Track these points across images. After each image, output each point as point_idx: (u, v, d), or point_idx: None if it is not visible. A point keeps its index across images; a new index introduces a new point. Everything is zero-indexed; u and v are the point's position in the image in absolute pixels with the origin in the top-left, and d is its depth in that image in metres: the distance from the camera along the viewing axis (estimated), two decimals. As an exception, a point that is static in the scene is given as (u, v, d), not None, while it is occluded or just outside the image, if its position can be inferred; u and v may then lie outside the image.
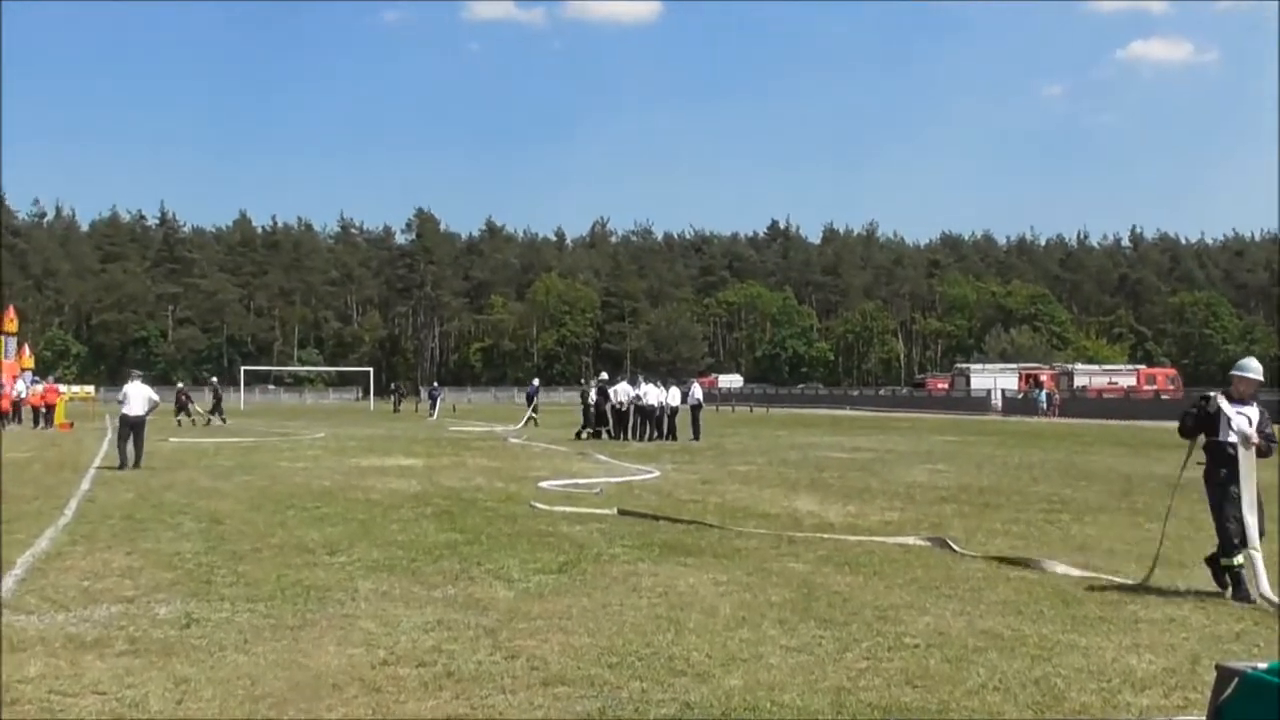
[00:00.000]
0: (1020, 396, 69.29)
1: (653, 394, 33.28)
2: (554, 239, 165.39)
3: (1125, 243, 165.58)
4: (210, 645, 7.32)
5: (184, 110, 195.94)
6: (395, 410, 69.81)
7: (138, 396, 22.53)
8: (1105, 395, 65.47)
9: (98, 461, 23.72)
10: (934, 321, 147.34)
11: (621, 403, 33.65)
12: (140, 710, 6.00)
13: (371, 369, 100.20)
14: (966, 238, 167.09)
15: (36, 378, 54.96)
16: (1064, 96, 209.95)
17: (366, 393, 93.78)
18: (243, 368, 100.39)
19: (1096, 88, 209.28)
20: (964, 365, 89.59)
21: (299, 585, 9.33)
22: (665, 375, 57.26)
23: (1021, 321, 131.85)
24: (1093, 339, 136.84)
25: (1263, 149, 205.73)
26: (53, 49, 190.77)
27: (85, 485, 18.37)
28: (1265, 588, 8.85)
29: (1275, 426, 9.41)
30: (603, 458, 25.24)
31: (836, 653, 7.15)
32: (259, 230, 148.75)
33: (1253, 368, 9.60)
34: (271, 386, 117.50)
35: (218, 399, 47.48)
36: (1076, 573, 9.95)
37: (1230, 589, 9.00)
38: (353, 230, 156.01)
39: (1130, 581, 9.55)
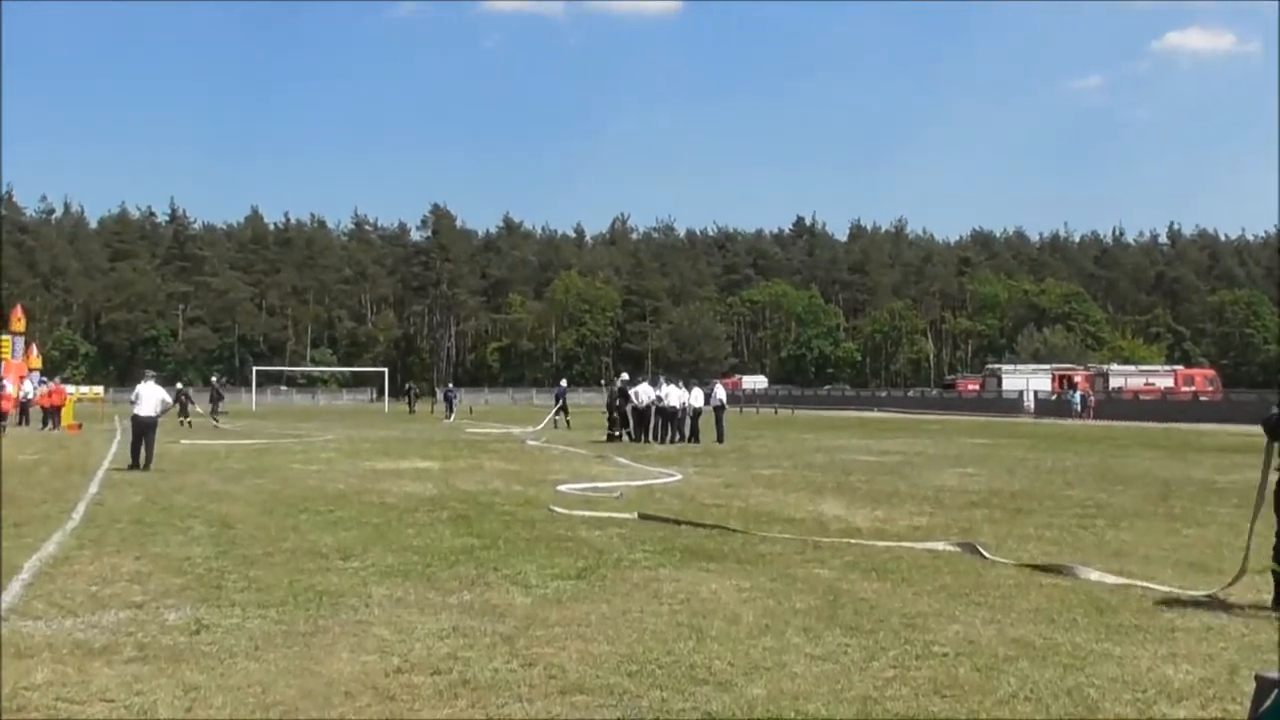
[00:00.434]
0: (1053, 398, 69.05)
1: (674, 395, 33.25)
2: (573, 236, 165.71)
3: (1162, 239, 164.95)
4: (220, 652, 7.34)
5: (195, 105, 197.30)
6: (410, 411, 70.03)
7: (150, 397, 22.66)
8: (1142, 397, 65.17)
9: (106, 464, 23.83)
10: (964, 321, 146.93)
11: (642, 404, 33.63)
12: (149, 718, 6.03)
13: (386, 369, 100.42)
14: (998, 234, 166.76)
15: (44, 378, 55.34)
16: (1099, 89, 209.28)
17: (381, 394, 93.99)
18: (254, 368, 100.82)
19: (1132, 80, 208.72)
20: (995, 366, 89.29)
21: (311, 591, 9.36)
22: (687, 376, 57.21)
23: (1055, 321, 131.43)
24: (1129, 339, 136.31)
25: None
26: (60, 42, 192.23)
27: (93, 488, 18.44)
28: None
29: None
30: (623, 461, 25.25)
31: (863, 661, 7.14)
32: (271, 227, 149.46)
33: None
34: (284, 387, 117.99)
35: (218, 399, 47.64)
36: (1111, 580, 9.90)
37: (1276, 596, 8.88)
38: (367, 227, 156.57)
39: (1165, 588, 9.49)
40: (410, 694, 6.41)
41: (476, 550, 11.56)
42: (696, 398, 34.27)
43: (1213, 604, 8.94)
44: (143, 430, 22.28)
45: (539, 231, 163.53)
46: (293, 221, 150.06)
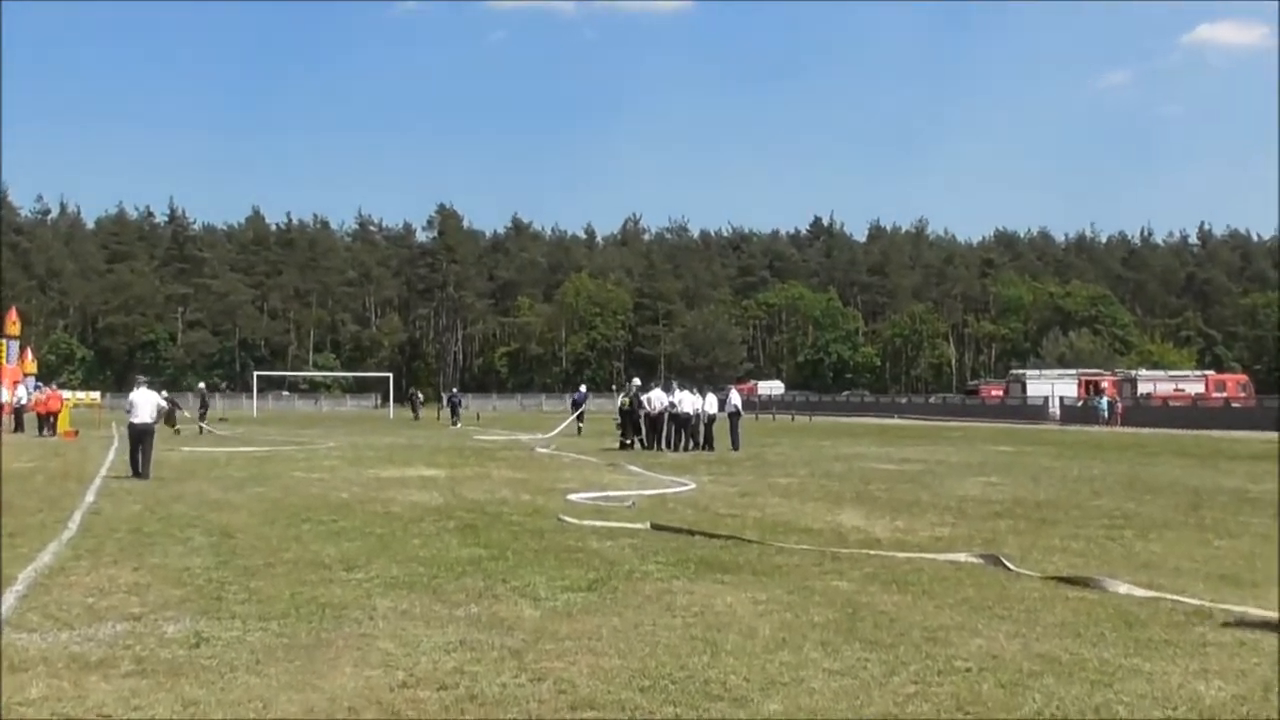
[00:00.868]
0: (1080, 404, 68.89)
1: (688, 401, 33.23)
2: (584, 237, 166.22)
3: (1193, 239, 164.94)
4: (220, 666, 7.35)
5: (194, 102, 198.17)
6: (415, 418, 70.21)
7: (145, 403, 22.72)
8: (1171, 403, 64.97)
9: (104, 471, 23.88)
10: (987, 324, 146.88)
11: (655, 411, 33.62)
12: (147, 734, 6.04)
13: (391, 374, 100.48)
14: (1022, 235, 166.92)
15: (39, 383, 55.43)
16: (1126, 85, 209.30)
17: (385, 399, 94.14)
18: (256, 373, 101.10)
19: (1161, 76, 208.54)
20: (1020, 371, 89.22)
21: (314, 603, 9.37)
22: (701, 381, 57.28)
23: (1081, 324, 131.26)
24: (1158, 343, 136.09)
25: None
26: (56, 36, 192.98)
27: (90, 497, 18.49)
28: None
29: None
30: (635, 469, 25.23)
31: (883, 677, 7.12)
32: (273, 228, 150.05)
33: None
34: (286, 393, 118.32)
35: (204, 406, 47.80)
36: (1140, 593, 9.86)
37: None
38: (371, 228, 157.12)
39: (1195, 601, 9.46)
40: (416, 709, 6.42)
41: (484, 561, 11.56)
42: (711, 404, 34.24)
43: (1245, 618, 8.91)
44: (140, 437, 22.35)
45: (548, 232, 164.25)
46: (295, 222, 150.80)
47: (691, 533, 13.66)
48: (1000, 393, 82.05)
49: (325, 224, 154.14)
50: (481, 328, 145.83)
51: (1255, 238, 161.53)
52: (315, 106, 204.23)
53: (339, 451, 32.30)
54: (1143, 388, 72.10)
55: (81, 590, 9.95)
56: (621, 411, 35.65)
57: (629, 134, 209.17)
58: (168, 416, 42.61)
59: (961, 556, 11.91)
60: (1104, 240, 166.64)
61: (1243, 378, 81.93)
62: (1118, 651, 7.81)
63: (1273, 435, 40.53)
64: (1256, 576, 10.51)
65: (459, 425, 55.88)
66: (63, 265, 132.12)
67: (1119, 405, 62.82)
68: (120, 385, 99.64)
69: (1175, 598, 9.64)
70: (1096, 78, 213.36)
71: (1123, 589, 10.00)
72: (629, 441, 34.03)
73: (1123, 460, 29.60)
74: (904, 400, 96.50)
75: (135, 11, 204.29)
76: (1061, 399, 70.66)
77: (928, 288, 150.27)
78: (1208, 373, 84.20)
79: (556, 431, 43.23)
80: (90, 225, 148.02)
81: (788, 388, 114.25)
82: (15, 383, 49.81)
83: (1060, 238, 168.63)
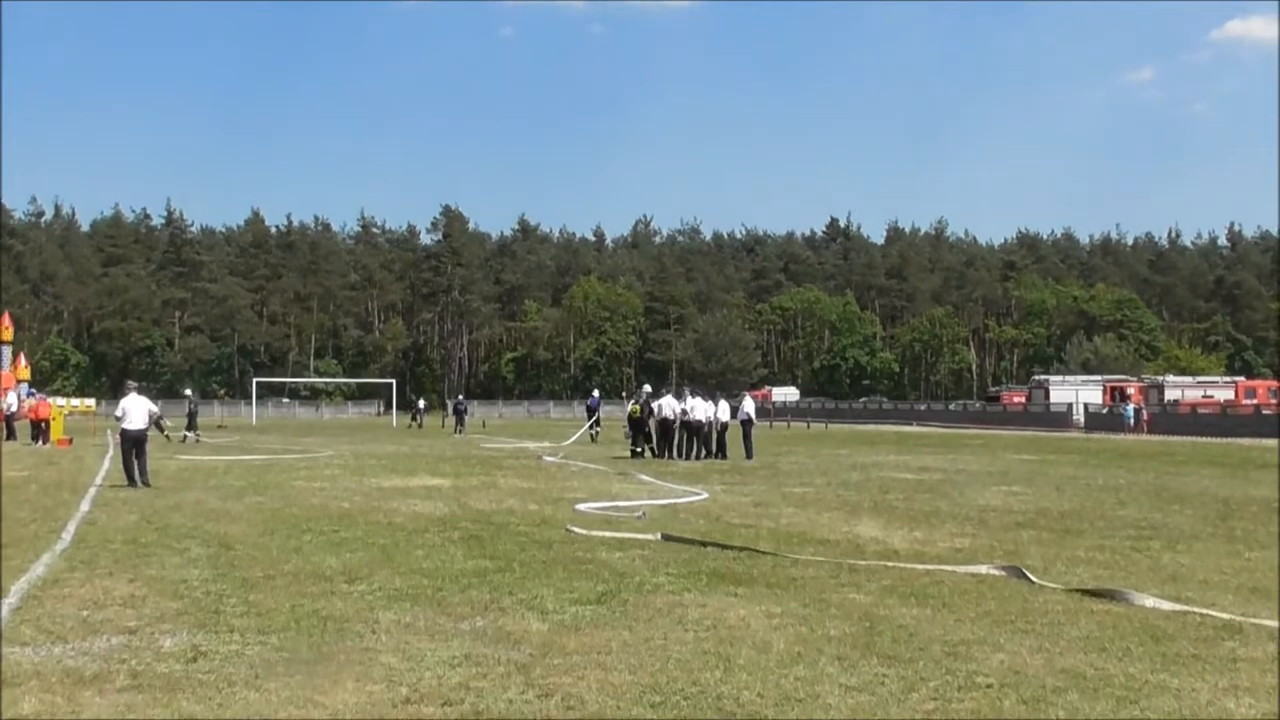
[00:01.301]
0: (1105, 411, 68.81)
1: (700, 408, 33.20)
2: (593, 239, 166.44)
3: (1222, 241, 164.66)
4: (218, 680, 7.36)
5: (192, 101, 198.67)
6: (418, 425, 70.45)
7: (138, 410, 22.77)
8: (1200, 410, 64.88)
9: (99, 480, 23.93)
10: (1009, 329, 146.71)
11: (666, 418, 33.59)
12: (143, 751, 6.04)
13: (394, 381, 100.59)
14: (1045, 237, 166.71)
15: (33, 390, 55.66)
16: (1153, 83, 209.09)
17: (389, 407, 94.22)
18: (255, 379, 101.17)
19: (1189, 72, 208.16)
20: (1042, 377, 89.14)
21: (315, 616, 9.38)
22: (714, 388, 57.26)
23: (1106, 329, 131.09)
24: (1185, 348, 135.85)
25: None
26: (52, 36, 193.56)
27: (85, 506, 18.52)
28: None
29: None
30: (646, 478, 25.23)
31: (901, 693, 7.11)
32: (273, 230, 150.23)
33: None
34: (286, 400, 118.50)
35: (191, 415, 47.96)
36: (1167, 606, 9.85)
37: None
38: (374, 230, 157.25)
39: (1225, 615, 9.44)
40: (419, 726, 6.41)
41: (490, 573, 11.56)
42: (723, 411, 34.24)
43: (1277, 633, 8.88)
44: (134, 445, 22.40)
45: (556, 234, 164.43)
46: (295, 224, 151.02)
47: (704, 544, 13.66)
48: (1023, 399, 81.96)
49: (327, 226, 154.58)
50: (487, 333, 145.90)
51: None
52: (317, 105, 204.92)
53: (340, 460, 32.33)
54: (1170, 394, 72.01)
55: (76, 603, 9.96)
56: (631, 419, 35.65)
57: (640, 133, 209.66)
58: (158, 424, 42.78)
59: (983, 568, 11.89)
60: (1130, 242, 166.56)
61: (1274, 384, 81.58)
62: (1144, 667, 7.79)
63: (1305, 443, 40.40)
64: (1288, 589, 10.47)
65: (464, 433, 55.97)
66: (57, 269, 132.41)
67: (1145, 412, 62.71)
68: (115, 392, 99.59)
69: (1204, 611, 9.62)
70: (1122, 74, 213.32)
71: (1149, 602, 9.98)
72: (639, 449, 34.03)
73: (1149, 469, 29.55)
74: (923, 407, 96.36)
75: (130, 8, 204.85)
76: (1086, 406, 70.58)
77: (948, 291, 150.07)
78: (1237, 379, 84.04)
79: (573, 439, 43.23)
80: (85, 228, 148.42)
81: (803, 394, 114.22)
82: (7, 389, 49.96)
83: (1085, 239, 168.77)
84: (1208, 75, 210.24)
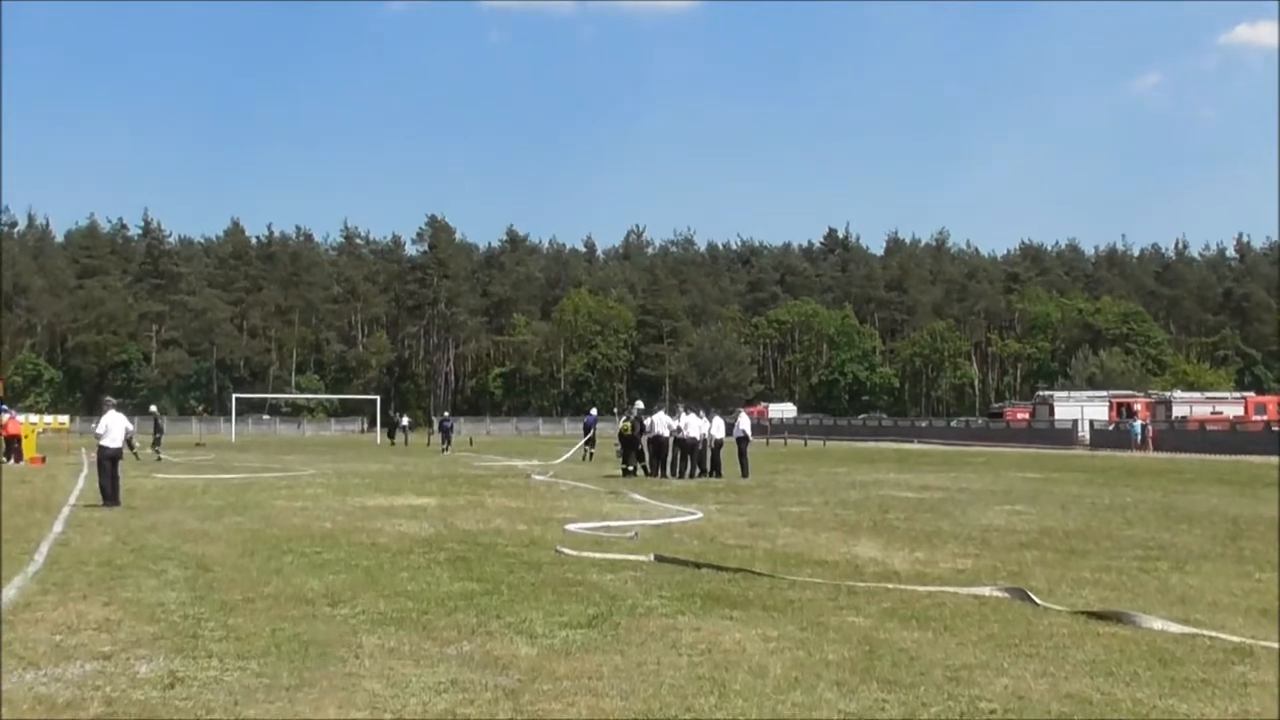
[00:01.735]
0: (1111, 428, 68.90)
1: (694, 425, 33.20)
2: (584, 250, 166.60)
3: (1230, 253, 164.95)
4: (196, 707, 7.34)
5: (170, 107, 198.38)
6: (390, 442, 71.03)
7: (117, 427, 22.82)
8: (1208, 426, 64.97)
9: (72, 500, 23.89)
10: (1013, 343, 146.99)
11: (659, 435, 33.58)
12: (118, 780, 6.03)
13: (378, 397, 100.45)
14: (1049, 248, 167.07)
15: (4, 406, 55.46)
16: (1159, 89, 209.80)
17: (372, 424, 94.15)
18: (234, 395, 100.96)
19: (1196, 79, 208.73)
20: (1047, 393, 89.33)
21: (296, 640, 9.36)
22: (709, 404, 57.25)
23: (1112, 343, 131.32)
24: (1194, 362, 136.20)
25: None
26: (24, 38, 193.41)
27: (58, 527, 18.48)
28: None
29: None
30: (638, 497, 25.23)
31: (902, 719, 7.11)
32: (253, 241, 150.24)
33: None
34: (266, 416, 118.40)
35: (158, 432, 47.89)
36: (1176, 628, 9.85)
37: None
38: (358, 241, 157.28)
39: (1235, 638, 9.44)
40: (404, 754, 6.40)
41: (477, 596, 11.55)
42: (718, 428, 34.21)
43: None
44: (110, 463, 22.40)
45: (546, 245, 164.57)
46: (276, 235, 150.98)
47: (698, 565, 13.65)
48: (1026, 415, 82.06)
49: (309, 237, 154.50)
50: (474, 347, 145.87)
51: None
52: (298, 112, 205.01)
53: (323, 479, 32.30)
54: (1178, 410, 72.09)
55: (48, 627, 9.94)
56: (622, 436, 35.63)
57: (632, 141, 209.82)
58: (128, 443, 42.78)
59: (986, 590, 11.90)
60: (1136, 253, 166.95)
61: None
62: (1152, 692, 7.80)
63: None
64: (1299, 611, 10.48)
65: (451, 451, 55.93)
66: (30, 281, 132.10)
67: (1152, 429, 62.80)
68: (91, 408, 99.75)
69: (1213, 634, 9.63)
70: (1127, 81, 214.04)
71: (1157, 625, 9.99)
72: (631, 468, 34.02)
73: (1157, 487, 29.59)
74: (924, 424, 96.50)
75: (104, 13, 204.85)
76: (1091, 422, 70.66)
77: (949, 304, 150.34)
78: (1247, 394, 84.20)
79: (566, 457, 43.20)
80: (60, 238, 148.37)
81: (800, 410, 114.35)
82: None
83: (1090, 251, 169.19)
84: (1215, 81, 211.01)
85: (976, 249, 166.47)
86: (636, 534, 17.26)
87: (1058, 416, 75.19)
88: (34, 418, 58.41)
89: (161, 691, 7.76)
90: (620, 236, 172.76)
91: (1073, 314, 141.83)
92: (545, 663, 8.59)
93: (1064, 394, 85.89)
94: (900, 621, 10.21)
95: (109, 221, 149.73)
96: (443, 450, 56.42)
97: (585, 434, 47.41)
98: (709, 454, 33.34)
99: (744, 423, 35.88)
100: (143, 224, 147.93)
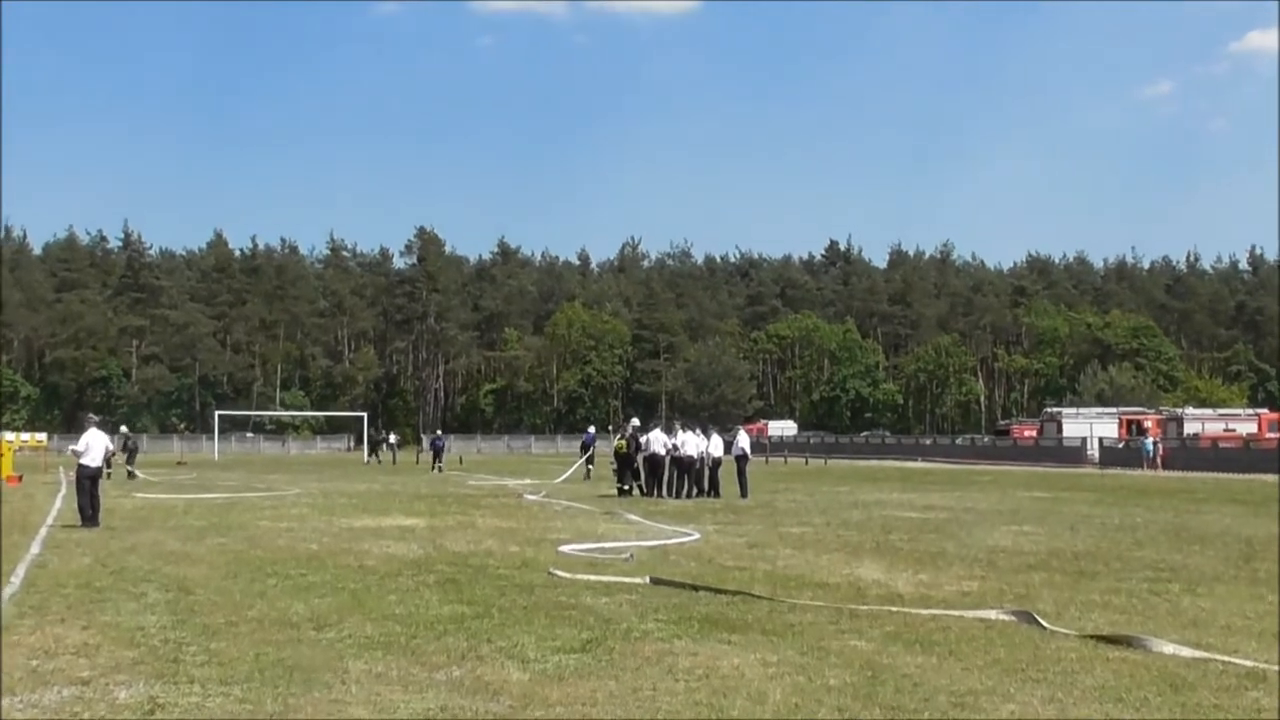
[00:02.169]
0: (1121, 446, 68.91)
1: (691, 443, 33.15)
2: (577, 263, 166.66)
3: (1243, 266, 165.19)
4: (178, 735, 7.34)
5: (151, 115, 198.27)
6: (376, 460, 71.18)
7: (98, 445, 22.87)
8: (1221, 444, 65.00)
9: (50, 520, 23.86)
10: (1020, 358, 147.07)
11: (655, 454, 33.56)
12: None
13: (366, 414, 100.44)
14: (1057, 260, 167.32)
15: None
16: (1170, 97, 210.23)
17: (359, 441, 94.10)
18: (217, 412, 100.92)
19: (1207, 86, 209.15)
20: (1055, 409, 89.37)
21: (280, 665, 9.36)
22: (706, 421, 57.21)
23: (1122, 358, 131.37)
24: (1205, 378, 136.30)
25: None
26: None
27: (35, 549, 18.48)
28: None
29: None
30: (633, 518, 25.22)
31: (905, 746, 7.12)
32: (236, 253, 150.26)
33: None
34: (250, 434, 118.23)
35: (130, 452, 47.90)
36: (1187, 653, 9.86)
37: None
38: (344, 253, 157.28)
39: (1248, 663, 9.45)
40: (392, 783, 6.40)
41: (467, 619, 11.55)
42: (716, 446, 34.16)
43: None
44: (90, 482, 22.41)
45: (538, 258, 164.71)
46: (261, 247, 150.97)
47: (695, 588, 13.65)
48: (1034, 433, 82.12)
49: (294, 249, 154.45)
50: (465, 362, 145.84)
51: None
52: (283, 119, 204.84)
53: (308, 498, 32.29)
54: (1189, 427, 72.14)
55: (25, 652, 9.93)
56: (618, 455, 35.61)
57: (627, 150, 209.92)
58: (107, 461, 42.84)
59: (992, 613, 11.90)
60: (1146, 266, 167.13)
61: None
62: (1163, 717, 7.80)
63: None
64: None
65: (441, 469, 55.90)
66: (7, 295, 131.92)
67: (1163, 447, 62.82)
68: (69, 425, 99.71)
69: (1226, 659, 9.64)
70: (1137, 88, 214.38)
71: (1168, 649, 9.99)
72: (626, 487, 34.00)
73: (1168, 507, 29.60)
74: (928, 441, 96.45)
75: (83, 17, 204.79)
76: (1101, 440, 70.61)
77: (954, 318, 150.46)
78: (1261, 411, 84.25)
79: (565, 476, 43.19)
80: (37, 251, 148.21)
81: (801, 428, 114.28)
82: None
83: (1099, 263, 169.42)
84: (1227, 89, 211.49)
85: (982, 261, 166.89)
86: (632, 556, 17.26)
87: (1066, 434, 75.19)
88: (10, 435, 58.34)
89: (142, 717, 7.76)
90: (615, 248, 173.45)
91: (1081, 328, 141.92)
92: (537, 689, 8.59)
93: (1072, 411, 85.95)
94: (904, 646, 10.22)
95: (88, 233, 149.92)
96: (433, 469, 56.40)
97: (584, 452, 47.41)
98: (707, 473, 33.28)
99: (743, 440, 35.85)
100: (123, 236, 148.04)
